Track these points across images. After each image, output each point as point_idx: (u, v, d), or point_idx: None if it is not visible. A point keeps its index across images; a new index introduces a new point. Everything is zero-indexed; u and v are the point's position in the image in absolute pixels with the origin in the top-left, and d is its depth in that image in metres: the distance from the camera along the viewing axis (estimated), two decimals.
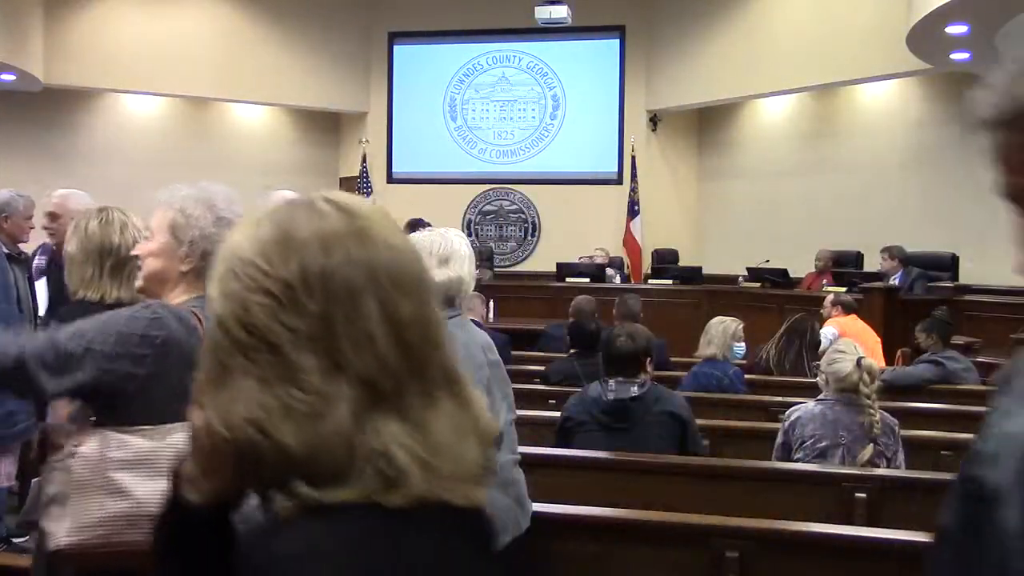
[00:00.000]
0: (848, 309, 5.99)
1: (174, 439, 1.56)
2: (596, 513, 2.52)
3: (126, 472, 1.56)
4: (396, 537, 0.71)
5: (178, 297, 1.73)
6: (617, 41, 11.08)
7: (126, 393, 1.58)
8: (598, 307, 5.22)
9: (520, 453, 2.42)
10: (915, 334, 5.18)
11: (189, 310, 1.66)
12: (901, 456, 3.14)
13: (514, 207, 11.40)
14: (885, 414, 3.15)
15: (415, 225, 4.89)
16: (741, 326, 4.49)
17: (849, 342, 3.45)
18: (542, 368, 4.74)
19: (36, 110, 10.12)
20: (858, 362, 3.08)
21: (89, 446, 1.57)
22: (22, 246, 4.08)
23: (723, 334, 4.36)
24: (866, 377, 3.06)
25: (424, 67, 11.59)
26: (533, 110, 11.42)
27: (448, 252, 2.30)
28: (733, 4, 9.94)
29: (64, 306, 2.36)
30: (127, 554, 1.51)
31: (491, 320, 7.06)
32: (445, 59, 11.59)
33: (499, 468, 2.15)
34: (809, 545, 2.39)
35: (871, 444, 3.04)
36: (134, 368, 1.57)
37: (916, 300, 6.88)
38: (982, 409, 4.11)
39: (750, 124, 10.73)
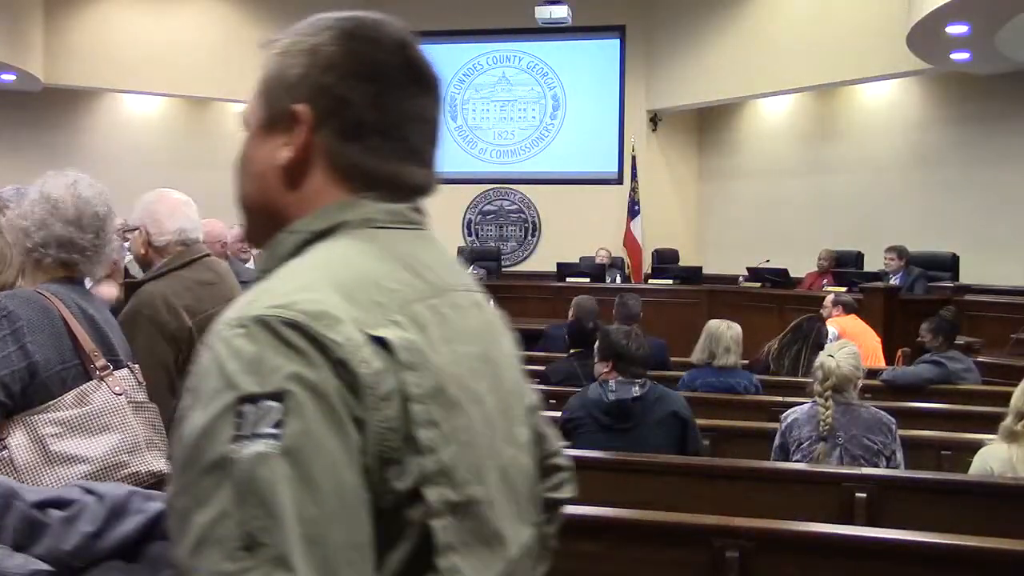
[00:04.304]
0: (848, 309, 5.98)
1: (86, 403, 1.66)
2: (596, 513, 2.51)
3: (66, 440, 1.63)
4: None
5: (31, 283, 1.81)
6: (617, 41, 11.07)
7: (24, 383, 1.65)
8: (598, 307, 5.20)
9: None
10: (920, 332, 5.18)
11: (35, 291, 1.74)
12: (900, 455, 3.14)
13: (514, 207, 11.40)
14: (879, 411, 3.16)
15: None
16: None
17: (843, 342, 3.47)
18: (542, 368, 4.72)
19: (36, 110, 10.12)
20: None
21: (15, 436, 1.61)
22: None
23: (738, 341, 4.21)
24: (819, 375, 3.12)
25: None
26: (533, 110, 11.41)
27: None
28: (733, 4, 9.94)
29: None
30: None
31: None
32: (445, 59, 11.58)
33: None
34: (809, 545, 2.38)
35: (821, 442, 3.06)
36: (20, 363, 1.64)
37: (916, 300, 6.88)
38: (982, 409, 4.12)
39: (750, 124, 10.72)
